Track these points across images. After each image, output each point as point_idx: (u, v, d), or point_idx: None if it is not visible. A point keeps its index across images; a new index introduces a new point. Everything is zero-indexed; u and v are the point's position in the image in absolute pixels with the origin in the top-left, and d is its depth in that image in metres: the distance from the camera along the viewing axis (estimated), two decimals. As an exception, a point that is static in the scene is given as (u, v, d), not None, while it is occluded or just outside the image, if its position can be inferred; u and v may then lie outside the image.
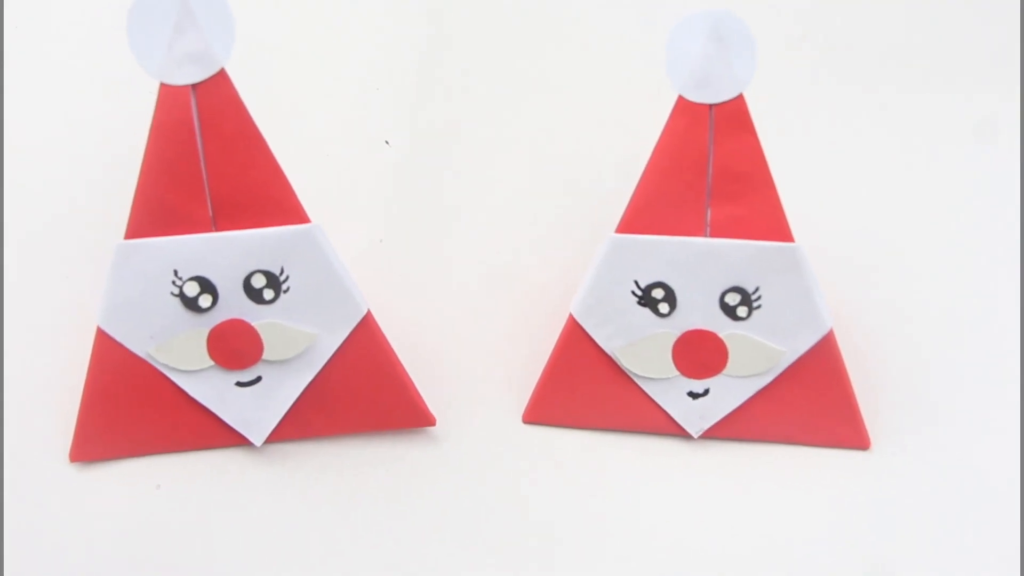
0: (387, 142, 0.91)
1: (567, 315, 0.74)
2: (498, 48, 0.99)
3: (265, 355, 0.71)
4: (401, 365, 0.73)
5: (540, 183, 0.90)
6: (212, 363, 0.71)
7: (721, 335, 0.71)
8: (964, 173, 0.92)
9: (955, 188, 0.91)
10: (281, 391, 0.72)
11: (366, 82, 0.95)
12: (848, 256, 0.85)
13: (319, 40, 0.98)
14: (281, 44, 0.96)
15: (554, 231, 0.87)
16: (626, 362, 0.73)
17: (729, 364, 0.72)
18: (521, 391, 0.77)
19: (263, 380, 0.72)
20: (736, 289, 0.70)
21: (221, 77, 0.67)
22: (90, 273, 0.78)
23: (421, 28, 0.99)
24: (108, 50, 0.84)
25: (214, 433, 0.73)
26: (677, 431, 0.75)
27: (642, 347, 0.72)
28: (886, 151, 0.93)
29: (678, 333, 0.72)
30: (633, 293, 0.71)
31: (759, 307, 0.70)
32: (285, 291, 0.70)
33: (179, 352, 0.71)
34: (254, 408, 0.72)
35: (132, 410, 0.72)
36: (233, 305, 0.70)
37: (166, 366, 0.71)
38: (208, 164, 0.68)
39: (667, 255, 0.70)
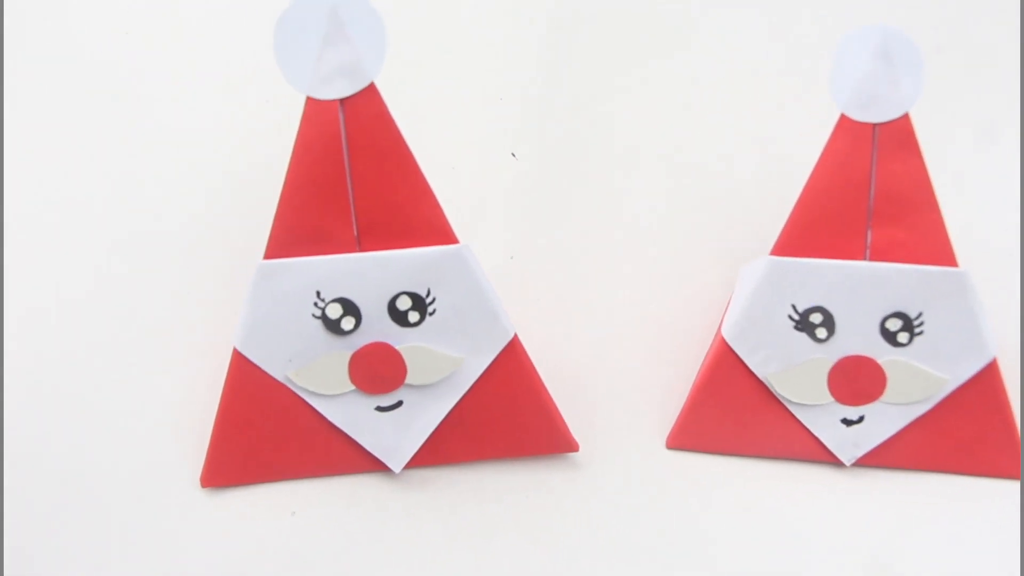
0: (514, 154, 0.88)
1: (712, 337, 0.72)
2: (633, 53, 0.96)
3: (408, 380, 0.69)
4: (546, 389, 0.71)
5: (680, 199, 0.88)
6: (353, 388, 0.68)
7: (880, 361, 0.69)
8: None
9: None
10: (423, 417, 0.70)
11: (490, 92, 0.92)
12: (1013, 280, 0.82)
13: (441, 49, 0.95)
14: (401, 55, 0.94)
15: (696, 249, 0.84)
16: (780, 388, 0.70)
17: (887, 391, 0.70)
18: (664, 416, 0.75)
19: (404, 405, 0.69)
20: (898, 315, 0.68)
21: (371, 91, 0.65)
22: (229, 293, 0.76)
23: (545, 34, 0.96)
24: (254, 63, 0.82)
25: (351, 459, 0.71)
26: (828, 459, 0.73)
27: (797, 373, 0.70)
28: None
29: (835, 359, 0.70)
30: (790, 317, 0.69)
31: (921, 333, 0.68)
32: (431, 314, 0.68)
33: (319, 376, 0.68)
34: (394, 434, 0.70)
35: (267, 434, 0.70)
36: (377, 328, 0.67)
37: (305, 390, 0.69)
38: (355, 181, 0.66)
39: (827, 279, 0.68)
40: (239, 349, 0.68)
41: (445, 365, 0.69)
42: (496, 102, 0.92)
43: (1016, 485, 0.72)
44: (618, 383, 0.77)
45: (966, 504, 0.72)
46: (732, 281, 0.77)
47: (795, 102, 0.89)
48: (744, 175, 0.88)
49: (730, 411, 0.72)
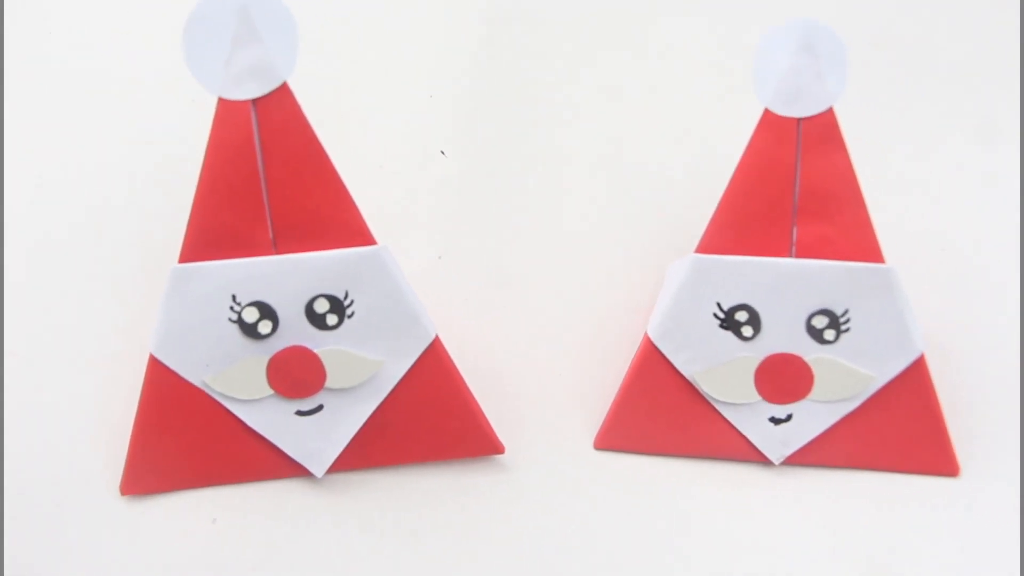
0: (443, 152, 0.87)
1: (640, 337, 0.71)
2: (563, 52, 0.95)
3: (328, 383, 0.67)
4: (469, 391, 0.70)
5: (609, 197, 0.87)
6: (272, 392, 0.67)
7: (807, 359, 0.68)
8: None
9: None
10: (344, 420, 0.69)
11: (419, 90, 0.91)
12: (940, 276, 0.81)
13: (370, 47, 0.94)
14: (328, 53, 0.92)
15: (624, 248, 0.83)
16: (706, 387, 0.69)
17: (814, 389, 0.69)
18: (592, 416, 0.74)
19: (325, 409, 0.68)
20: (824, 312, 0.67)
21: (283, 92, 0.64)
22: (143, 298, 0.74)
23: (478, 30, 0.95)
24: (164, 65, 0.80)
25: (273, 464, 0.70)
26: (757, 458, 0.72)
27: (723, 371, 0.69)
28: (974, 161, 0.90)
29: (761, 357, 0.69)
30: (715, 316, 0.68)
31: (847, 330, 0.68)
32: (350, 316, 0.66)
33: (237, 381, 0.67)
34: (315, 438, 0.69)
35: (186, 441, 0.69)
36: (294, 331, 0.66)
37: (223, 395, 0.68)
38: (269, 183, 0.64)
39: (751, 276, 0.67)
40: (155, 354, 0.67)
41: (365, 368, 0.68)
42: (426, 100, 0.90)
43: (947, 482, 0.71)
44: (546, 384, 0.76)
45: (896, 502, 0.71)
46: (662, 280, 0.75)
47: (728, 98, 0.87)
48: (675, 173, 0.87)
49: (658, 411, 0.72)
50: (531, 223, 0.85)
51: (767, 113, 0.66)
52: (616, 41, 0.96)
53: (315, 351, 0.67)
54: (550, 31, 0.96)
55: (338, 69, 0.92)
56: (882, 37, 0.97)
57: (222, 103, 0.64)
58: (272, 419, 0.69)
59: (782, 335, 0.68)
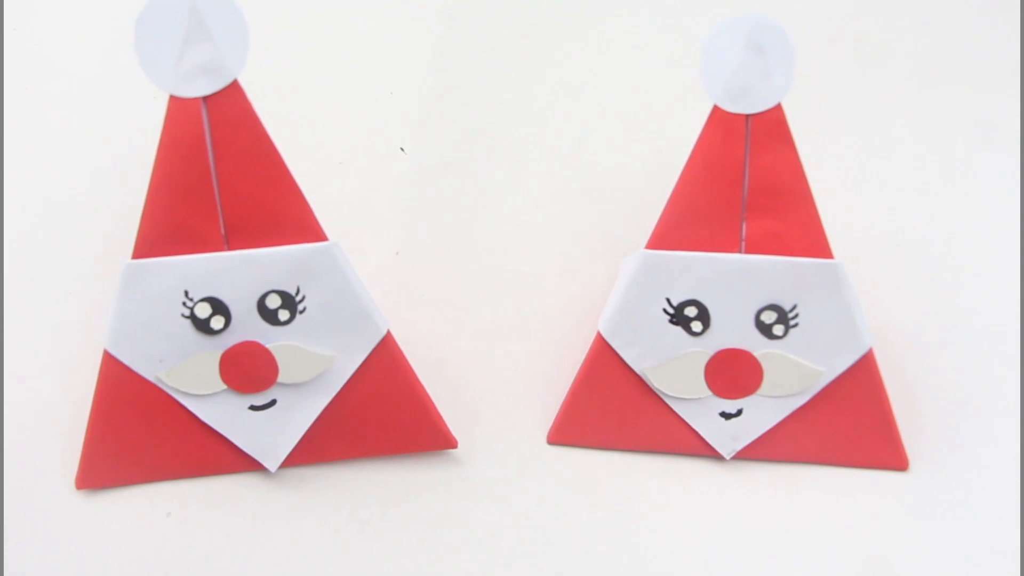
0: (402, 149, 0.88)
1: (594, 332, 0.71)
2: (520, 50, 0.96)
3: (280, 378, 0.68)
4: (422, 386, 0.70)
5: (565, 193, 0.87)
6: (225, 387, 0.68)
7: (756, 354, 0.69)
8: (1007, 180, 0.89)
9: (998, 197, 0.89)
10: (297, 415, 0.69)
11: (380, 87, 0.91)
12: (888, 270, 0.82)
13: (330, 44, 0.95)
14: (290, 50, 0.93)
15: (580, 244, 0.84)
16: (656, 382, 0.70)
17: (764, 384, 0.69)
18: (546, 411, 0.75)
19: (278, 404, 0.69)
20: (772, 307, 0.68)
21: (234, 89, 0.64)
22: (98, 294, 0.75)
23: (437, 28, 0.95)
24: (116, 61, 0.81)
25: (227, 458, 0.71)
26: (708, 452, 0.72)
27: (674, 367, 0.70)
28: (922, 158, 0.91)
29: (711, 352, 0.69)
30: (665, 311, 0.69)
31: (796, 325, 0.68)
32: (301, 312, 0.67)
33: (190, 376, 0.68)
34: (269, 432, 0.69)
35: (141, 436, 0.69)
36: (247, 327, 0.67)
37: (176, 390, 0.68)
38: (220, 180, 0.65)
39: (701, 272, 0.68)
40: (109, 350, 0.67)
41: (317, 363, 0.68)
42: (387, 97, 0.91)
43: (897, 476, 0.72)
44: (501, 379, 0.77)
45: (846, 496, 0.71)
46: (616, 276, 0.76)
47: (682, 95, 0.88)
48: (630, 170, 0.87)
49: (610, 406, 0.72)
50: (488, 220, 0.85)
51: (716, 110, 0.67)
52: (573, 39, 0.96)
53: (267, 346, 0.68)
54: (509, 29, 0.96)
55: (303, 68, 0.93)
56: (836, 34, 0.97)
57: (174, 100, 0.64)
58: (225, 414, 0.69)
59: (731, 330, 0.69)
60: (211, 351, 0.67)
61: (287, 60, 0.92)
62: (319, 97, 0.91)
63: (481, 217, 0.85)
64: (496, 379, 0.77)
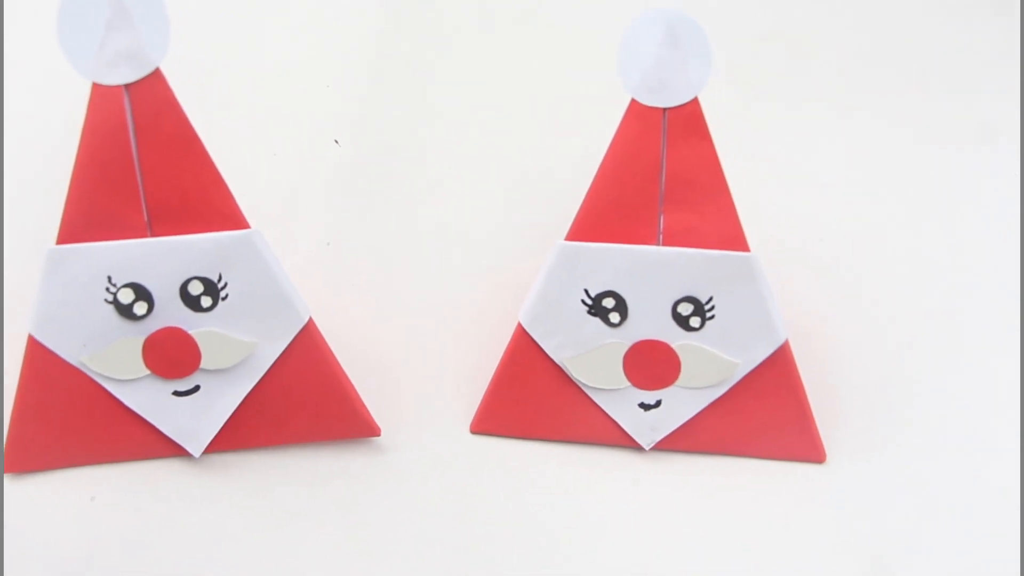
0: (336, 141, 0.89)
1: (516, 323, 0.71)
2: (448, 46, 0.97)
3: (203, 364, 0.69)
4: (344, 374, 0.71)
5: (490, 186, 0.88)
6: (148, 372, 0.69)
7: (673, 346, 0.69)
8: (923, 173, 0.91)
9: (912, 190, 0.90)
10: (220, 401, 0.70)
11: (316, 79, 0.92)
12: (808, 264, 0.83)
13: (267, 35, 0.96)
14: (224, 39, 0.94)
15: (505, 235, 0.85)
16: (576, 372, 0.71)
17: (681, 375, 0.70)
18: (469, 401, 0.75)
19: (201, 389, 0.70)
20: (689, 299, 0.68)
21: (156, 77, 0.65)
22: (22, 279, 0.75)
23: (372, 24, 0.96)
24: (38, 48, 0.82)
25: (151, 443, 0.71)
26: (628, 443, 0.73)
27: (592, 357, 0.70)
28: (844, 153, 0.92)
29: (629, 343, 0.70)
30: (583, 302, 0.69)
31: (712, 317, 0.69)
32: (223, 298, 0.68)
33: (114, 361, 0.68)
34: (192, 418, 0.70)
35: (66, 420, 0.70)
36: (170, 313, 0.68)
37: (100, 375, 0.69)
38: (143, 167, 0.66)
39: (618, 263, 0.68)
40: (33, 334, 0.68)
41: (239, 349, 0.69)
42: (323, 90, 0.92)
43: (815, 468, 0.72)
44: (426, 368, 0.78)
45: (763, 488, 0.72)
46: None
47: (607, 89, 0.88)
48: (557, 163, 0.88)
49: (531, 396, 0.73)
50: (417, 212, 0.86)
51: (633, 103, 0.67)
52: (502, 35, 0.97)
53: (190, 332, 0.68)
54: (443, 26, 0.98)
55: (241, 60, 0.94)
56: (762, 31, 0.98)
57: (96, 88, 0.65)
58: (149, 399, 0.70)
59: (649, 322, 0.69)
60: (134, 336, 0.68)
61: (229, 54, 0.93)
62: (257, 88, 0.92)
63: (411, 210, 0.86)
64: (420, 368, 0.78)
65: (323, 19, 0.96)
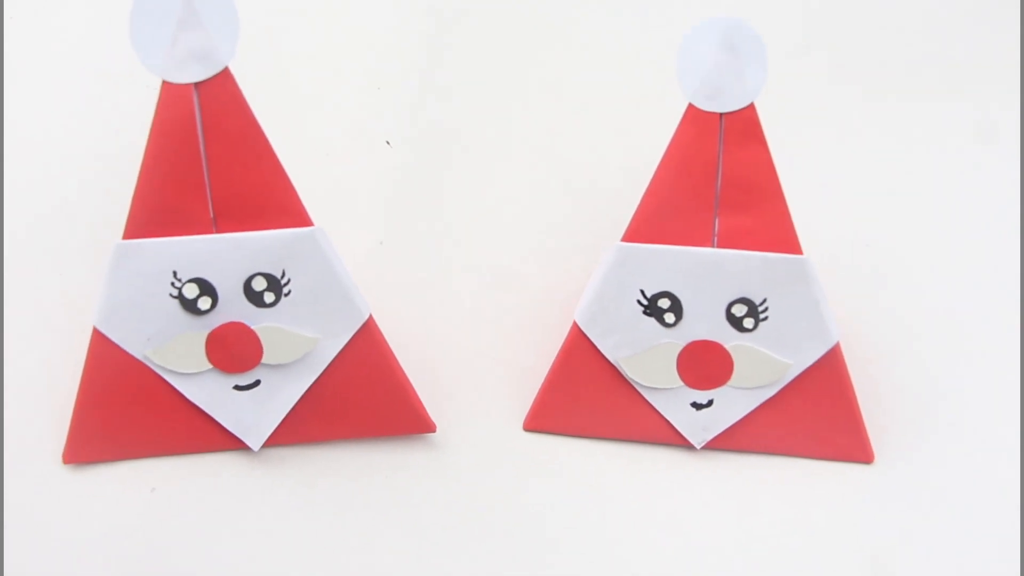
0: (388, 142, 0.90)
1: (571, 322, 0.73)
2: (504, 49, 0.98)
3: (264, 359, 0.70)
4: (402, 370, 0.72)
5: (545, 187, 0.90)
6: (210, 366, 0.70)
7: (727, 346, 0.71)
8: (972, 181, 0.92)
9: (963, 197, 0.91)
10: (280, 395, 0.71)
11: (368, 81, 0.94)
12: (857, 268, 0.84)
13: (321, 38, 0.97)
14: (282, 43, 0.95)
15: (559, 236, 0.86)
16: (630, 372, 0.72)
17: (734, 376, 0.71)
18: (523, 398, 0.76)
19: (262, 384, 0.71)
20: (743, 300, 0.69)
21: (225, 76, 0.66)
22: (88, 273, 0.77)
23: (424, 27, 0.98)
24: (110, 46, 0.83)
25: (211, 437, 0.72)
26: (680, 441, 0.74)
27: (647, 357, 0.71)
28: (894, 160, 0.93)
29: (683, 343, 0.71)
30: (639, 302, 0.70)
31: (766, 319, 0.70)
32: (286, 294, 0.69)
33: (177, 355, 0.70)
34: (252, 412, 0.71)
35: (127, 412, 0.71)
36: (233, 308, 0.69)
37: (163, 368, 0.70)
38: (210, 164, 0.67)
39: (674, 265, 0.69)
40: (98, 328, 0.69)
41: (300, 345, 0.70)
42: (374, 92, 0.93)
43: (864, 469, 0.73)
44: (480, 366, 0.79)
45: (812, 487, 0.73)
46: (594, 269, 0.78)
47: (661, 94, 0.90)
48: (609, 165, 0.89)
49: (584, 394, 0.74)
50: (470, 211, 0.88)
51: (691, 108, 0.68)
52: (555, 37, 0.99)
53: (252, 327, 0.69)
54: (494, 28, 0.99)
55: (296, 62, 0.95)
56: (813, 36, 1.00)
57: (166, 86, 0.66)
58: (210, 393, 0.71)
59: (703, 322, 0.71)
60: (198, 331, 0.69)
61: (287, 56, 0.94)
62: (310, 89, 0.93)
63: (463, 210, 0.88)
64: (475, 366, 0.79)
65: (376, 24, 0.98)
